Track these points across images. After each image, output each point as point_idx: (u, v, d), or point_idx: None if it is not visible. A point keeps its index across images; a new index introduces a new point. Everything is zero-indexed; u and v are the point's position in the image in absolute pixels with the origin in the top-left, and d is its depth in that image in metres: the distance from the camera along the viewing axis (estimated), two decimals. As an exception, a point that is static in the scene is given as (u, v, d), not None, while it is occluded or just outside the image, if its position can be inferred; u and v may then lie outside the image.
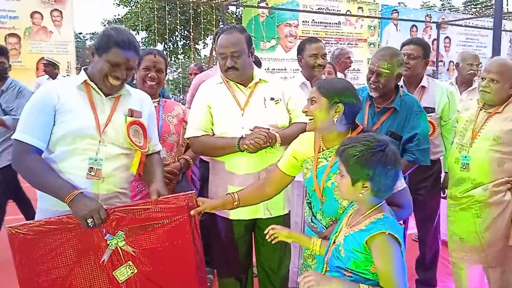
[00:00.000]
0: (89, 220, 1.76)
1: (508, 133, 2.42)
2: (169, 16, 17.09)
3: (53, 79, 6.30)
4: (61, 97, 1.89)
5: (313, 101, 1.87)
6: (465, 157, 2.52)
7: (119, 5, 23.04)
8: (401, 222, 2.91)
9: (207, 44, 23.35)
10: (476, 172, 2.48)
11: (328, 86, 1.87)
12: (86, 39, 26.06)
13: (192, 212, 1.91)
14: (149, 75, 2.49)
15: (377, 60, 2.49)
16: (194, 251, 1.93)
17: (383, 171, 1.52)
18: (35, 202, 2.02)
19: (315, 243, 1.86)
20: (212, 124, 2.34)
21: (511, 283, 2.50)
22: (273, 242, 1.91)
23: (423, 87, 2.99)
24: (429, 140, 2.63)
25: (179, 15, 15.89)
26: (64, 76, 7.47)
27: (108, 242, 1.83)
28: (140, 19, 19.48)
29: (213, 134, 2.34)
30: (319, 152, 1.93)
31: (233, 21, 20.11)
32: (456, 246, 2.64)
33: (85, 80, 1.94)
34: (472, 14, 15.61)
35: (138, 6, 21.74)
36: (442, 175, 3.11)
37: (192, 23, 15.28)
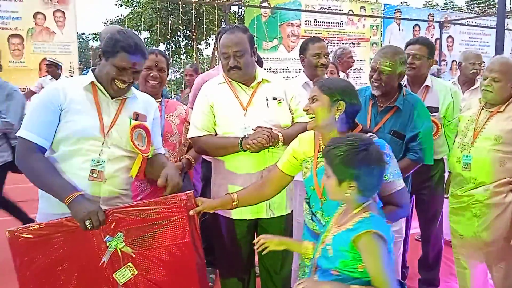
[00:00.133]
0: (87, 222, 1.76)
1: (509, 132, 2.41)
2: (171, 16, 17.10)
3: (56, 79, 6.31)
4: (68, 97, 1.90)
5: (314, 100, 1.88)
6: (467, 156, 2.52)
7: (121, 5, 23.07)
8: (402, 221, 2.92)
9: (209, 44, 23.37)
10: (478, 171, 2.48)
11: (330, 85, 1.88)
12: (89, 40, 26.12)
13: (191, 212, 1.90)
14: (151, 74, 2.49)
15: (379, 58, 2.50)
16: (194, 250, 1.92)
17: (368, 170, 1.54)
18: (36, 202, 2.02)
19: (306, 247, 1.86)
20: (215, 124, 2.34)
21: None
22: (263, 253, 1.91)
23: (427, 86, 2.98)
24: (432, 139, 2.63)
25: (181, 15, 15.89)
26: (67, 77, 7.49)
27: (107, 244, 1.83)
28: (143, 19, 19.51)
29: (216, 134, 2.34)
30: (319, 152, 1.93)
31: (236, 21, 20.11)
32: (456, 243, 2.68)
33: (92, 82, 1.95)
34: (475, 13, 15.55)
35: (141, 6, 21.77)
36: (446, 174, 3.10)
37: (194, 23, 15.27)
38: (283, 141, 2.22)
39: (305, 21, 10.89)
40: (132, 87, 2.04)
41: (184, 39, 22.81)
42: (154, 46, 18.89)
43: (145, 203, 1.89)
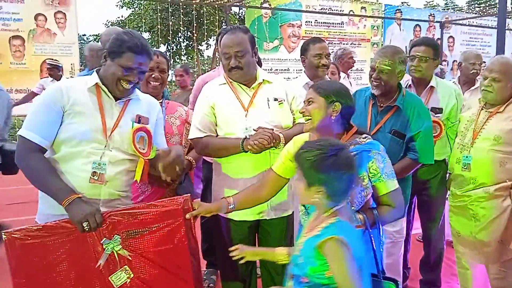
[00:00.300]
0: (85, 224, 1.77)
1: (509, 133, 2.41)
2: (172, 17, 17.10)
3: (57, 81, 6.32)
4: (71, 98, 1.90)
5: (310, 102, 1.91)
6: (466, 157, 2.52)
7: (122, 6, 23.10)
8: (403, 221, 2.92)
9: (210, 45, 23.41)
10: (478, 172, 2.48)
11: (325, 87, 1.92)
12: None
13: (187, 216, 1.90)
14: (153, 75, 2.49)
15: (378, 57, 2.51)
16: (189, 254, 1.92)
17: (336, 176, 1.54)
18: (37, 203, 2.03)
19: (280, 254, 1.88)
20: (216, 125, 2.34)
21: None
22: (240, 262, 1.92)
23: (432, 87, 2.98)
24: (432, 138, 2.63)
25: (182, 16, 15.90)
26: (68, 78, 7.49)
27: (104, 247, 1.83)
28: (143, 20, 19.53)
29: (217, 135, 2.34)
30: None
31: (236, 22, 20.12)
32: (455, 241, 2.69)
33: (96, 83, 1.95)
34: (475, 13, 15.55)
35: (141, 7, 21.79)
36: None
37: (195, 24, 15.28)
38: (284, 142, 2.21)
39: (306, 21, 10.89)
40: (136, 89, 2.04)
41: (185, 40, 22.83)
42: (155, 47, 18.82)
43: (142, 206, 1.90)
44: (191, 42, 22.24)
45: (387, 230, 2.72)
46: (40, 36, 8.49)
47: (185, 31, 21.25)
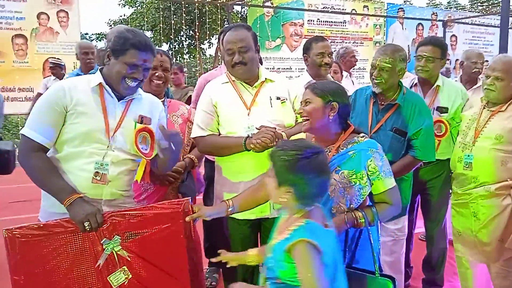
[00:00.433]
0: (86, 224, 1.78)
1: (510, 131, 2.41)
2: (174, 16, 17.09)
3: (60, 79, 6.32)
4: (74, 98, 1.89)
5: (308, 102, 1.92)
6: (468, 156, 2.52)
7: (124, 5, 23.09)
8: (404, 220, 2.91)
9: (212, 43, 23.34)
10: (479, 171, 2.48)
11: (321, 87, 1.93)
12: (92, 40, 26.14)
13: (187, 219, 1.92)
14: (157, 74, 2.50)
15: (379, 55, 2.52)
16: (188, 257, 1.94)
17: (306, 179, 1.52)
18: (39, 202, 2.03)
19: (250, 256, 1.89)
20: (218, 123, 2.34)
21: None
22: (227, 266, 1.93)
23: (438, 86, 2.97)
24: (434, 136, 2.64)
25: (184, 15, 15.90)
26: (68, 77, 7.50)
27: (104, 247, 1.84)
28: (146, 19, 19.51)
29: (219, 134, 2.34)
30: None
31: (238, 20, 20.07)
32: (455, 240, 2.69)
33: (100, 83, 1.95)
34: (478, 12, 15.50)
35: (144, 6, 21.78)
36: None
37: (197, 23, 15.28)
38: (286, 141, 2.22)
39: (308, 20, 10.87)
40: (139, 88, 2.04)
41: (187, 38, 22.80)
42: (157, 46, 18.75)
43: (143, 207, 1.92)
44: (193, 41, 22.22)
45: (389, 228, 2.72)
46: (43, 35, 8.49)
47: (187, 30, 21.24)
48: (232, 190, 2.27)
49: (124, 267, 1.87)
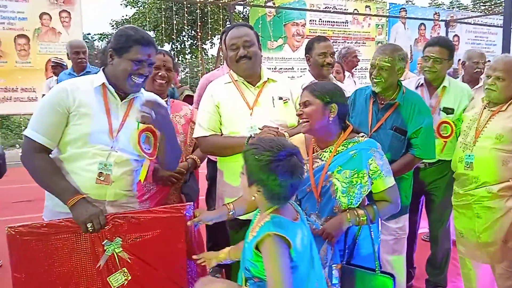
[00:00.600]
0: (89, 225, 1.79)
1: (511, 131, 2.40)
2: (176, 16, 17.11)
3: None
4: (77, 99, 1.89)
5: (307, 104, 1.92)
6: (469, 156, 2.52)
7: (126, 5, 23.11)
8: (405, 220, 2.90)
9: (214, 43, 23.34)
10: (480, 171, 2.47)
11: (320, 89, 1.93)
12: (94, 40, 26.19)
13: (188, 223, 1.93)
14: (160, 73, 2.50)
15: (378, 54, 2.53)
16: (187, 261, 1.96)
17: (276, 180, 1.50)
18: (42, 201, 2.04)
19: (222, 252, 1.90)
20: (221, 123, 2.34)
21: None
22: (209, 266, 1.95)
23: (444, 87, 2.96)
24: (433, 134, 2.64)
25: (186, 15, 15.89)
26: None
27: (105, 248, 1.85)
28: (148, 19, 19.53)
29: (222, 134, 2.34)
30: (313, 153, 1.98)
31: (240, 20, 20.08)
32: (458, 241, 2.69)
33: (103, 83, 1.95)
34: (481, 12, 15.47)
35: (146, 6, 21.80)
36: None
37: (199, 23, 15.26)
38: (289, 141, 2.22)
39: (310, 20, 10.86)
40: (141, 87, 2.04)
41: (189, 39, 22.82)
42: (159, 46, 18.78)
43: (146, 210, 1.94)
44: (195, 41, 22.23)
45: (390, 227, 2.73)
46: (45, 35, 8.51)
47: (189, 30, 21.26)
48: (234, 195, 2.27)
49: (124, 268, 1.88)
